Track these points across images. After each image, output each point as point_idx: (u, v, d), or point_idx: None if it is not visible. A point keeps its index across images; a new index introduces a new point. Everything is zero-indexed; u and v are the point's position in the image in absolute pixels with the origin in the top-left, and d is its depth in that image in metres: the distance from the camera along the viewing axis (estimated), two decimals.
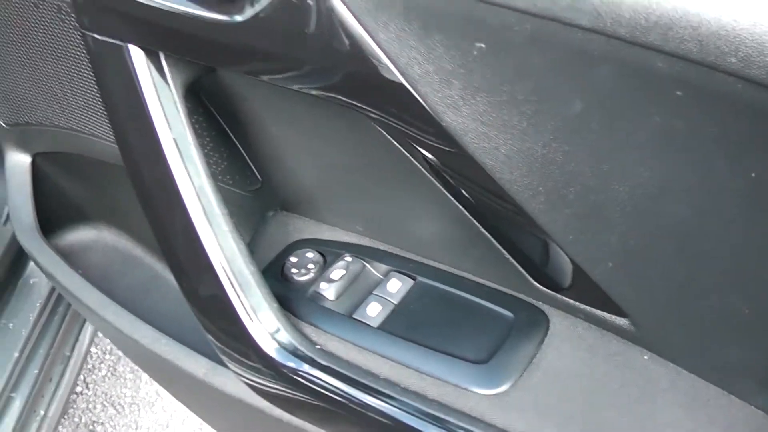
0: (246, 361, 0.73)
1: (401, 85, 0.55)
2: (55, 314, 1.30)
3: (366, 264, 0.77)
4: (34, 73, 0.92)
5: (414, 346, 0.69)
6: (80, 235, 1.15)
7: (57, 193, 1.11)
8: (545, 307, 0.71)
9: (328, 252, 0.78)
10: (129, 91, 0.70)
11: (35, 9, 0.83)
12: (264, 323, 0.71)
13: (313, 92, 0.62)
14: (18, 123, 1.02)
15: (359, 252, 0.78)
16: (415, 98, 0.56)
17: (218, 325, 0.75)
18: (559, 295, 0.69)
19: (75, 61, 0.85)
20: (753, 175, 0.49)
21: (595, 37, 0.47)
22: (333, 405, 0.70)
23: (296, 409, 0.77)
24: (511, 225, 0.65)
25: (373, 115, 0.61)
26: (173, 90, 0.69)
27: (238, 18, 0.59)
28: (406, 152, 0.65)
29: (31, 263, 1.29)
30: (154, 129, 0.70)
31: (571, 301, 0.69)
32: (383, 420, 0.68)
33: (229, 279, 0.71)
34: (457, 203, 0.66)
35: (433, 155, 0.62)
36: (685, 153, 0.51)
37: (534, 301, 0.72)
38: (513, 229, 0.66)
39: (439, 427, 0.64)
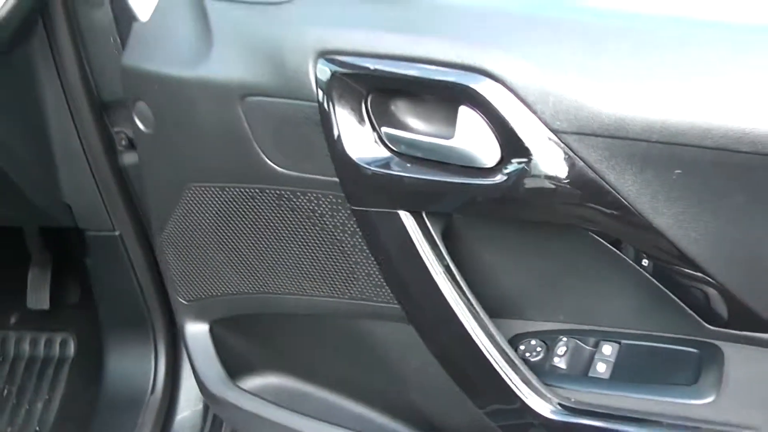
0: (530, 424, 1.03)
1: (623, 204, 0.88)
2: None
3: (578, 341, 1.08)
4: (228, 252, 1.15)
5: (642, 384, 1.01)
6: (250, 383, 1.35)
7: (228, 349, 1.33)
8: (716, 342, 1.03)
9: (546, 338, 1.10)
10: (403, 246, 1.00)
11: (250, 199, 1.07)
12: (538, 394, 1.02)
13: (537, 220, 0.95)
14: (198, 297, 1.24)
15: (570, 333, 1.09)
16: (633, 211, 0.88)
17: (499, 405, 1.05)
18: (723, 329, 1.01)
19: (272, 234, 1.09)
20: None
21: (752, 157, 0.81)
22: None
23: None
24: (689, 283, 0.97)
25: (590, 227, 0.93)
26: (437, 239, 1.00)
27: (494, 181, 0.90)
28: (608, 245, 0.96)
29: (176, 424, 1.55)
30: (430, 274, 1.00)
31: (734, 331, 1.00)
32: None
33: (503, 370, 1.02)
34: (647, 275, 0.98)
35: (637, 246, 0.94)
36: None
37: (705, 339, 1.04)
38: (689, 286, 0.97)
39: (684, 429, 0.95)
